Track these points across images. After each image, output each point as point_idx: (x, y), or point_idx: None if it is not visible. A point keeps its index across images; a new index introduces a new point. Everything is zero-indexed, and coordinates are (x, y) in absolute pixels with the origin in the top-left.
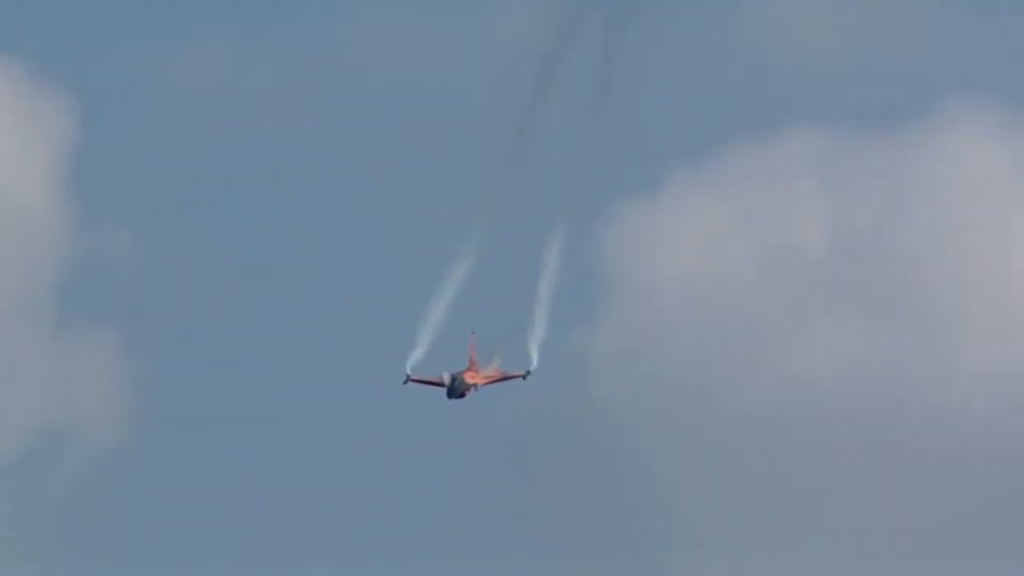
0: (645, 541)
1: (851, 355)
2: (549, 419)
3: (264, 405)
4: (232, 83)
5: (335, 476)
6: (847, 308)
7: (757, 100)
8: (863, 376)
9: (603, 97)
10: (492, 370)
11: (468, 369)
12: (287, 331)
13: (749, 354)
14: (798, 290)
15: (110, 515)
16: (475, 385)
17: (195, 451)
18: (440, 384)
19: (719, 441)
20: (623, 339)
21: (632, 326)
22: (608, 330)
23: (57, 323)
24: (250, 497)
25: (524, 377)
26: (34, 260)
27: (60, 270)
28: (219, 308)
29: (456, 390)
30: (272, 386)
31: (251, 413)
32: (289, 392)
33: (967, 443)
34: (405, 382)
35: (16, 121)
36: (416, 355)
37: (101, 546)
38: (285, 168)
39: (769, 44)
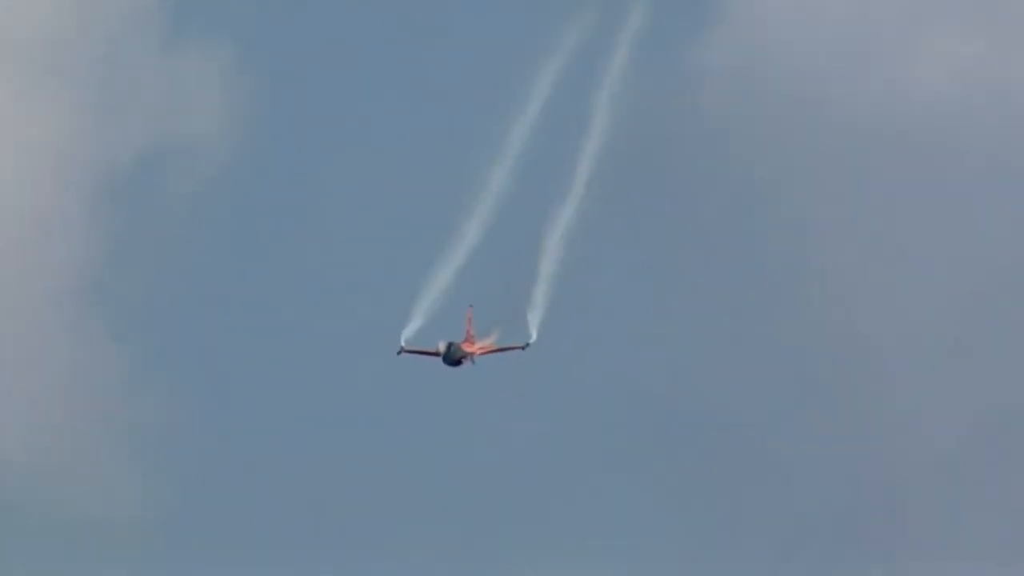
0: (763, 263)
1: (965, 67)
2: (662, 141)
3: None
4: None
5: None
6: (961, 19)
7: None
8: (977, 88)
9: None
10: (488, 343)
11: (465, 341)
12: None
13: (862, 66)
14: (911, 1)
15: (218, 234)
16: (472, 354)
17: (300, 171)
18: (435, 354)
19: (832, 156)
20: (733, 57)
21: (742, 42)
22: (718, 48)
23: (168, 38)
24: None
25: (523, 348)
26: None
27: None
28: (332, 28)
29: (451, 356)
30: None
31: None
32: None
33: None
34: (399, 353)
35: None
36: (411, 328)
37: (205, 266)
38: None
39: None
